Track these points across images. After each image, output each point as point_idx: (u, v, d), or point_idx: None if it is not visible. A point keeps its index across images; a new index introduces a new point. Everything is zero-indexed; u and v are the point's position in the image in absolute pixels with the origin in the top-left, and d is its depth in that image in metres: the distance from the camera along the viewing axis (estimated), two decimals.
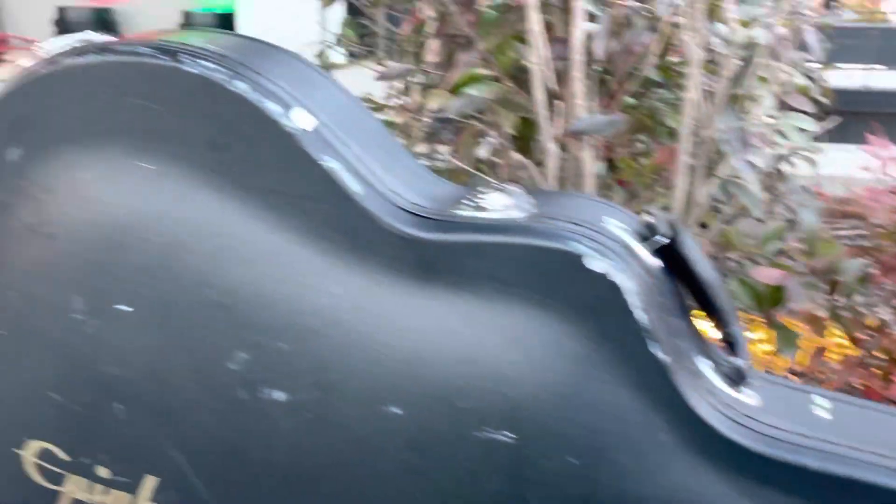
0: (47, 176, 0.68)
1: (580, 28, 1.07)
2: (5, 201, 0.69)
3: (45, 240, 0.69)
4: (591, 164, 1.12)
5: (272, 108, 0.63)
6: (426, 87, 1.15)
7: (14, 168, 0.68)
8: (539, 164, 1.13)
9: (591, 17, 1.06)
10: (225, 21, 4.84)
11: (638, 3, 1.05)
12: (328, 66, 1.21)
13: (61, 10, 5.25)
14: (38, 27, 5.30)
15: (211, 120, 0.64)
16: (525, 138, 1.16)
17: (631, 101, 1.21)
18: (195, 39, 0.67)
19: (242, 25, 4.43)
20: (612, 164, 1.31)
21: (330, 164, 0.63)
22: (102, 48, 0.66)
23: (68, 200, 0.68)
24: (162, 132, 0.65)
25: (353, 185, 0.63)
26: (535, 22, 1.06)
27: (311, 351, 0.64)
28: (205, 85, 0.63)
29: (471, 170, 1.11)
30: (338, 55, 1.34)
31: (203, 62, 0.64)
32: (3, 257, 0.70)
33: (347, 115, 0.67)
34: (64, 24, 5.26)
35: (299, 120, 0.63)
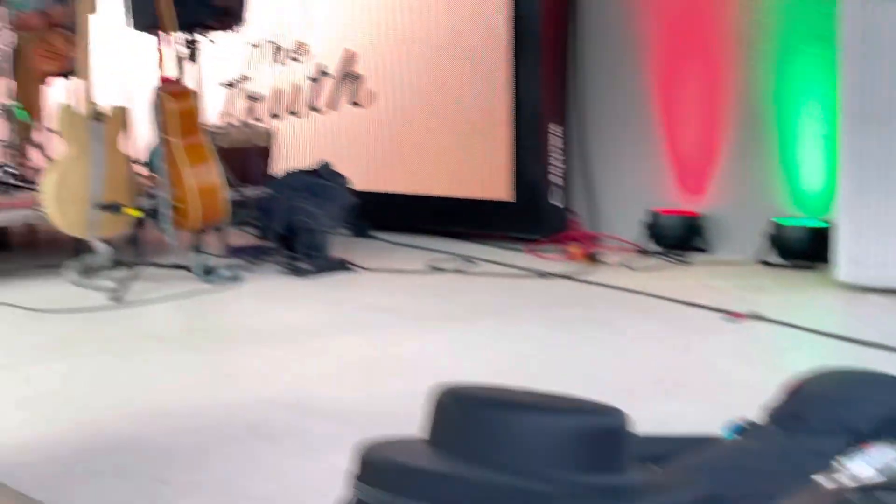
0: None
1: None
2: None
3: None
4: None
5: None
6: None
7: None
8: None
9: None
10: (818, 237, 4.67)
11: None
12: None
13: (653, 215, 5.47)
14: (629, 228, 5.56)
15: None
16: None
17: None
18: None
19: (841, 245, 4.23)
20: None
21: None
22: None
23: None
24: None
25: None
26: None
27: None
28: None
29: None
30: None
31: None
32: None
33: None
34: (654, 229, 5.47)
35: None
